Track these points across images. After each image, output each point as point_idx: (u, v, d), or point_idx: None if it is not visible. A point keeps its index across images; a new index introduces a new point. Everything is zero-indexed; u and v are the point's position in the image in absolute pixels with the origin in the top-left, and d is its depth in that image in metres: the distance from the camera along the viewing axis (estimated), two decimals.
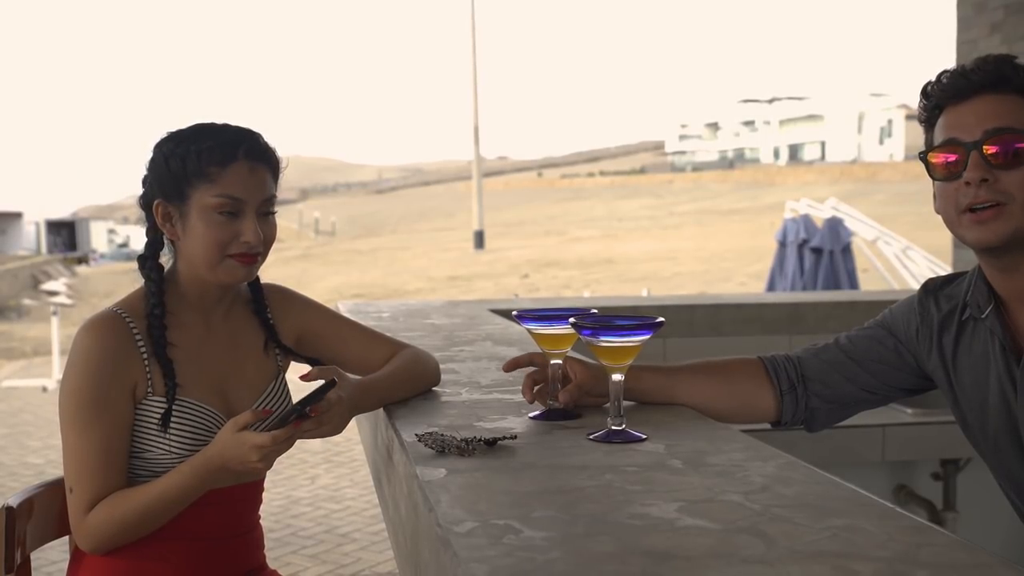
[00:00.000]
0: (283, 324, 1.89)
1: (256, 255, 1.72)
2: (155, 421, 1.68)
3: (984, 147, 1.49)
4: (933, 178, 1.58)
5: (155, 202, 1.71)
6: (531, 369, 1.69)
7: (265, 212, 1.73)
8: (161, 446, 1.69)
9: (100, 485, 1.64)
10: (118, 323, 1.69)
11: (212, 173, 1.67)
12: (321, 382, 1.57)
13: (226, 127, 1.73)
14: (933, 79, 1.58)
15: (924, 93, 1.60)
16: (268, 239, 1.74)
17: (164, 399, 1.69)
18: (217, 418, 1.72)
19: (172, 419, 1.68)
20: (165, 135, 1.73)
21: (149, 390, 1.69)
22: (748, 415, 1.80)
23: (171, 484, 1.63)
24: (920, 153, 1.59)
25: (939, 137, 1.56)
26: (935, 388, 1.76)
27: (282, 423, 1.52)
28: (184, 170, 1.68)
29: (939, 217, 1.60)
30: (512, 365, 1.73)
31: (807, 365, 1.78)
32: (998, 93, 1.51)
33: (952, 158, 1.52)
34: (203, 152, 1.67)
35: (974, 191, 1.50)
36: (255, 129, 1.77)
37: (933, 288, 1.75)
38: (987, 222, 1.50)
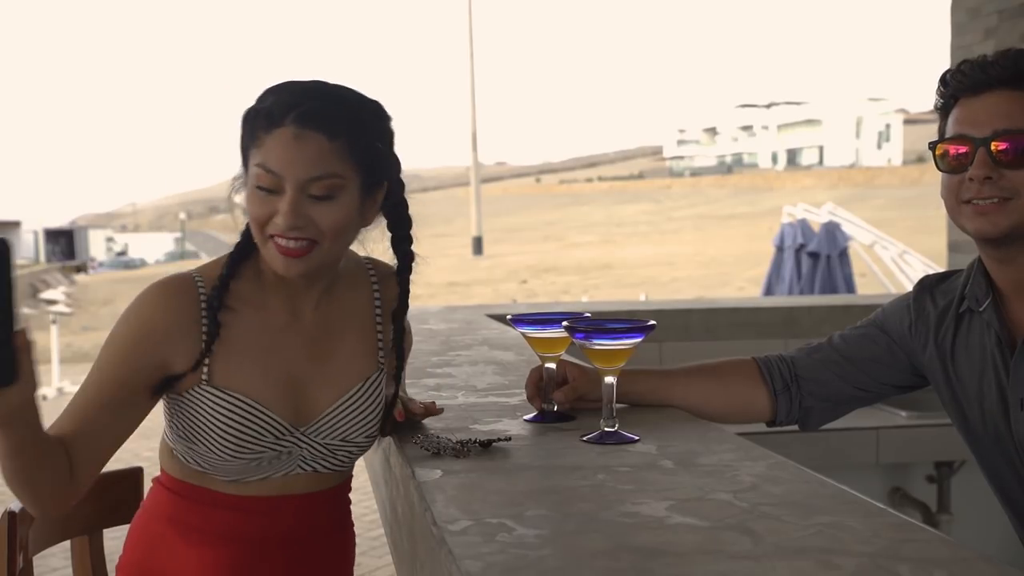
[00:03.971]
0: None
1: (298, 244, 1.44)
2: (204, 413, 1.50)
3: (992, 144, 1.51)
4: (938, 168, 1.60)
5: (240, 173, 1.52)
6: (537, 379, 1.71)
7: (320, 196, 1.43)
8: (203, 438, 1.50)
9: (57, 425, 1.46)
10: (188, 287, 1.51)
11: (260, 139, 1.44)
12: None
13: (297, 85, 1.47)
14: (952, 68, 1.59)
15: (942, 81, 1.61)
16: (321, 227, 1.45)
17: (216, 388, 1.50)
18: (259, 412, 1.50)
19: (218, 408, 1.49)
20: None
21: (204, 376, 1.50)
22: (743, 415, 1.82)
23: None
24: (930, 143, 1.61)
25: (950, 129, 1.58)
26: (927, 385, 1.78)
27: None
28: (243, 134, 1.48)
29: (936, 222, 1.64)
30: (532, 392, 1.68)
31: (801, 365, 1.80)
32: (1014, 89, 1.52)
33: (959, 151, 1.55)
34: (258, 113, 1.45)
35: (977, 187, 1.53)
36: (355, 92, 1.49)
37: (929, 284, 1.77)
38: (988, 213, 1.53)
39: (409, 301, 1.64)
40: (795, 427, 1.85)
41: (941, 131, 1.62)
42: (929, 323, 1.72)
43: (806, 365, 1.80)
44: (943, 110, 1.62)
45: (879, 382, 1.79)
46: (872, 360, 1.78)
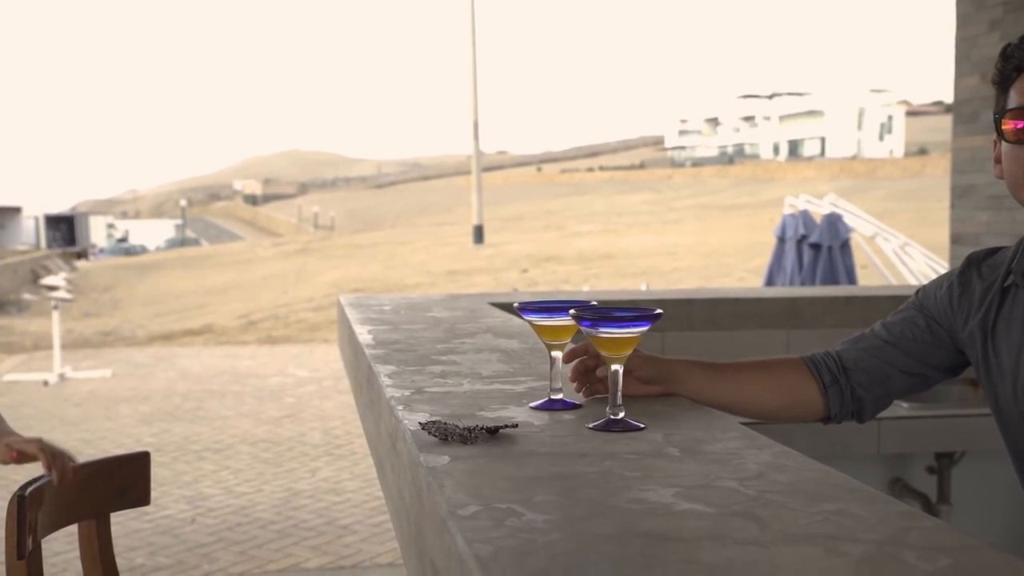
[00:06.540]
0: None
1: None
2: None
3: None
4: (1005, 141, 1.58)
5: None
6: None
7: None
8: None
9: None
10: None
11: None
12: None
13: None
14: (1016, 41, 1.57)
15: (1003, 54, 1.59)
16: None
17: None
18: None
19: None
20: None
21: None
22: (796, 411, 1.80)
23: None
24: (995, 114, 1.59)
25: (1014, 100, 1.56)
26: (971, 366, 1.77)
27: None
28: None
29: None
30: (570, 356, 1.66)
31: (846, 356, 1.79)
32: None
33: None
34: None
35: None
36: None
37: (976, 259, 1.76)
38: None
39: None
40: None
41: (1001, 105, 1.59)
42: (973, 298, 1.71)
43: (851, 356, 1.79)
44: (1001, 84, 1.60)
45: (924, 363, 1.77)
46: (914, 340, 1.76)
